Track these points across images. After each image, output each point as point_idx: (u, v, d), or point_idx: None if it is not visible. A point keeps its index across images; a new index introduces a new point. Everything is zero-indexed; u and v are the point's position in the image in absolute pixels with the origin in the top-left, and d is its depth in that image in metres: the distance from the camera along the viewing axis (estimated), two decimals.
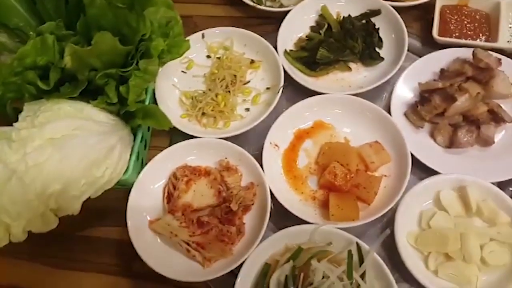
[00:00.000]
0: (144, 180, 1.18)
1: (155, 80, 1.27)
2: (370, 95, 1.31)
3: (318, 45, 1.36)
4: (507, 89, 1.25)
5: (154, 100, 1.30)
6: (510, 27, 1.40)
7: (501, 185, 1.17)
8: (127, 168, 1.11)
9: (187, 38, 1.36)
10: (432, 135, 1.24)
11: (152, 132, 1.34)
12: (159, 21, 1.07)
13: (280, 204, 1.15)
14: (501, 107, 1.23)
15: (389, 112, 1.26)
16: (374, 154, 1.21)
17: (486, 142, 1.20)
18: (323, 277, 0.98)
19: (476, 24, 1.39)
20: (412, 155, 1.20)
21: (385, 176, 1.21)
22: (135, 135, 1.17)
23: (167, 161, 1.22)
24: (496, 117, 1.21)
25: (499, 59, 1.27)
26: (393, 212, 1.12)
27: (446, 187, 1.14)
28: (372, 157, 1.20)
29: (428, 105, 1.22)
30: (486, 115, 1.21)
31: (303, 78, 1.37)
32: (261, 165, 1.19)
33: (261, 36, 1.42)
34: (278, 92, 1.30)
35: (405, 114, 1.27)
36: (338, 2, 1.47)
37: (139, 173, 1.18)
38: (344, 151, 1.22)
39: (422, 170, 1.20)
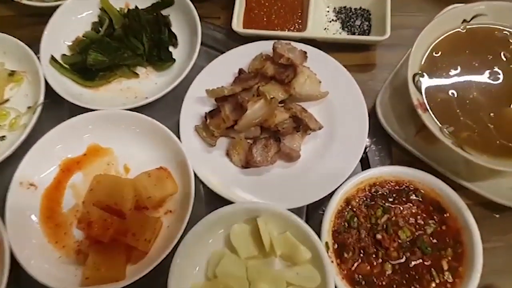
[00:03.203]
0: None
1: None
2: (171, 107, 1.05)
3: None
4: (314, 89, 1.03)
5: None
6: (328, 11, 1.19)
7: (311, 208, 0.97)
8: None
9: None
10: (229, 155, 1.00)
11: None
12: None
13: None
14: (306, 111, 1.01)
15: None
16: (153, 185, 0.95)
17: (290, 156, 0.98)
18: None
19: (288, 10, 1.17)
20: (203, 183, 0.96)
21: (170, 212, 0.96)
22: None
23: None
24: (301, 125, 0.99)
25: (305, 53, 1.05)
26: None
27: (238, 220, 0.91)
28: (150, 190, 0.94)
29: (218, 118, 0.98)
30: (290, 124, 0.99)
31: (77, 91, 1.09)
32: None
33: (35, 39, 1.11)
34: (35, 113, 1.01)
35: (196, 130, 1.02)
36: None
37: None
38: (115, 186, 0.95)
39: (220, 201, 0.95)
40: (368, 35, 1.15)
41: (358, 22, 1.17)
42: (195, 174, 0.95)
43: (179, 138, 0.99)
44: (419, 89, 0.95)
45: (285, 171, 0.99)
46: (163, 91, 1.04)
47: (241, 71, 1.06)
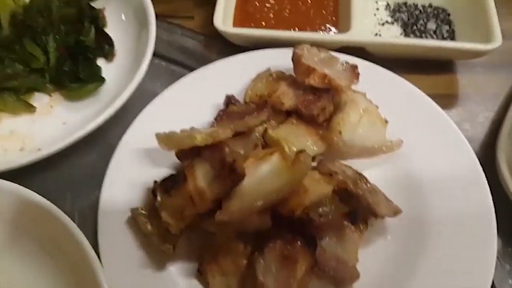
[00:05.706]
0: None
1: None
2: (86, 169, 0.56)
3: None
4: (377, 134, 0.52)
5: None
6: (378, 9, 0.72)
7: None
8: None
9: None
10: (204, 275, 0.46)
11: None
12: None
13: None
14: (366, 181, 0.48)
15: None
16: None
17: (339, 279, 0.45)
18: None
19: (313, 1, 0.69)
20: None
21: None
22: None
23: None
24: (358, 209, 0.46)
25: (355, 68, 0.55)
26: None
27: None
28: None
29: (180, 194, 0.45)
30: (335, 206, 0.46)
31: None
32: None
33: None
34: None
35: (134, 219, 0.48)
36: None
37: None
38: None
39: None
40: None
41: (432, 26, 0.69)
42: None
43: (95, 239, 0.45)
44: None
45: None
46: (71, 137, 0.51)
47: (230, 99, 0.54)
